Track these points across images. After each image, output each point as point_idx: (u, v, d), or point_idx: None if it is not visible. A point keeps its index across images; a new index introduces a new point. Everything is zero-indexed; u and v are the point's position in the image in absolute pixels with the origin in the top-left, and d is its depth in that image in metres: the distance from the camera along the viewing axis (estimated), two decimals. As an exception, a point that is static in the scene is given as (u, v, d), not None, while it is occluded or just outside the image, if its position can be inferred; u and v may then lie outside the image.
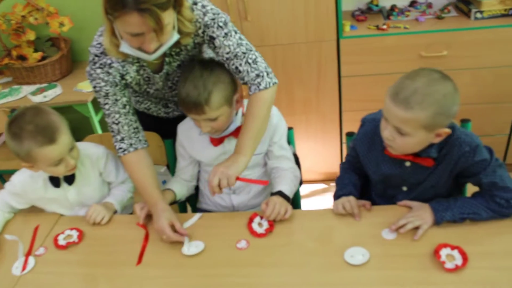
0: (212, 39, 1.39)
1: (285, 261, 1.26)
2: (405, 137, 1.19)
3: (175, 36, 1.29)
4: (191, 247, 1.34)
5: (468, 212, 1.24)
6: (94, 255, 1.40)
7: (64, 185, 1.55)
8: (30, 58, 2.50)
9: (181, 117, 1.62)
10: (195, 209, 1.79)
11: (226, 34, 1.37)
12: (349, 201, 1.37)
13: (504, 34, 2.10)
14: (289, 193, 1.46)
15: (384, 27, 2.21)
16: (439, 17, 2.25)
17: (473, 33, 2.12)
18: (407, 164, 1.32)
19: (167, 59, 1.45)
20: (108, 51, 1.33)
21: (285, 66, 2.31)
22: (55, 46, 2.62)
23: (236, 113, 1.50)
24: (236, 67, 1.40)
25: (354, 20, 2.37)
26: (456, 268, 1.13)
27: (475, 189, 1.31)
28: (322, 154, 2.61)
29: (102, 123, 2.54)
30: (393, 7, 2.38)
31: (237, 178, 1.36)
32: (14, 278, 1.34)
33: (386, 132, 1.23)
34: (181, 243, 1.35)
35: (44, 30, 2.58)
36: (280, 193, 1.44)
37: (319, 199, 2.62)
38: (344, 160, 2.56)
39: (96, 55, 1.38)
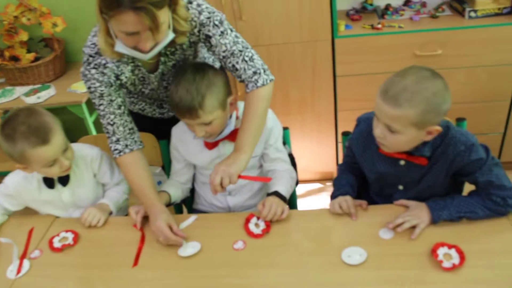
0: (208, 37, 1.38)
1: (282, 262, 1.25)
2: (396, 135, 1.19)
3: (171, 35, 1.28)
4: (187, 248, 1.33)
5: (465, 211, 1.24)
6: (90, 258, 1.38)
7: (58, 186, 1.54)
8: (23, 59, 2.48)
9: (176, 118, 1.60)
10: (191, 210, 1.78)
11: (222, 32, 1.37)
12: (346, 200, 1.37)
13: (498, 33, 2.11)
14: (286, 193, 1.46)
15: (379, 26, 2.21)
16: (433, 16, 2.26)
17: (467, 32, 2.13)
18: (402, 163, 1.32)
19: (162, 59, 1.44)
20: (102, 51, 1.32)
21: (280, 66, 2.31)
22: (48, 47, 2.59)
23: (230, 116, 1.49)
24: (233, 65, 1.40)
25: (349, 19, 2.37)
26: (454, 267, 1.13)
27: (472, 187, 1.31)
28: (318, 154, 2.60)
29: (97, 124, 2.52)
30: (387, 6, 2.39)
31: (239, 176, 1.36)
32: (9, 282, 1.33)
33: (378, 130, 1.23)
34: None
35: (37, 30, 2.56)
36: (276, 194, 1.43)
37: (315, 199, 2.62)
38: (340, 159, 2.60)
39: (90, 55, 1.37)
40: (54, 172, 1.45)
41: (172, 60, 1.46)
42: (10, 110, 1.51)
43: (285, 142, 1.70)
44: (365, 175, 1.48)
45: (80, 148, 1.58)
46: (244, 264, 1.27)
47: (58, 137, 1.39)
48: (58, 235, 1.47)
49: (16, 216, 1.62)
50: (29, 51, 2.53)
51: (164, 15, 1.21)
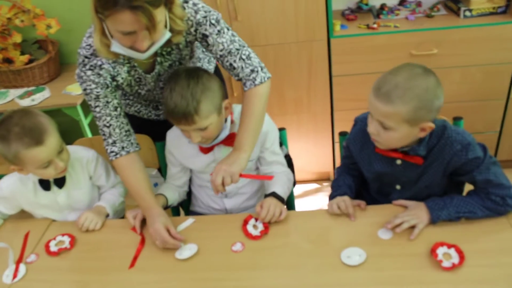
0: (205, 37, 1.38)
1: (281, 263, 1.25)
2: (389, 132, 1.20)
3: (167, 34, 1.27)
4: (184, 251, 1.32)
5: (464, 211, 1.24)
6: (87, 261, 1.37)
7: (54, 188, 1.53)
8: (17, 61, 2.46)
9: (171, 119, 1.60)
10: (188, 212, 1.77)
11: (219, 31, 1.37)
12: (344, 200, 1.37)
13: (493, 32, 2.12)
14: (283, 194, 1.46)
15: (375, 26, 2.21)
16: (428, 16, 2.26)
17: (462, 31, 2.14)
18: (398, 162, 1.32)
19: (158, 59, 1.43)
20: (98, 52, 1.31)
21: (276, 66, 2.30)
22: (42, 49, 2.57)
23: (225, 120, 1.48)
24: (230, 64, 1.40)
25: (344, 19, 2.37)
26: (453, 267, 1.13)
27: (471, 187, 1.31)
28: (314, 154, 2.60)
29: (92, 126, 2.51)
30: (382, 6, 2.39)
31: (241, 175, 1.35)
32: (5, 287, 1.31)
33: (371, 127, 1.24)
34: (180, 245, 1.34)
35: (31, 32, 2.54)
36: (274, 195, 1.43)
37: (312, 199, 2.62)
38: (336, 159, 2.60)
39: (86, 57, 1.36)
40: (49, 174, 1.44)
41: (169, 60, 1.45)
42: (4, 113, 1.50)
43: (282, 143, 1.69)
44: (363, 175, 1.48)
45: (76, 150, 1.57)
46: (243, 266, 1.26)
47: (52, 138, 1.38)
48: (54, 238, 1.45)
49: (11, 220, 1.60)
50: (23, 53, 2.50)
51: (160, 14, 1.20)
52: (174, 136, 1.57)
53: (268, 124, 1.52)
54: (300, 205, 2.53)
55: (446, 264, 1.14)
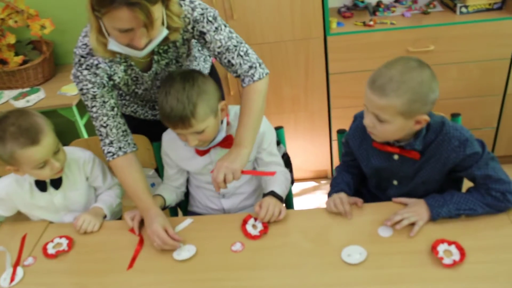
0: (202, 34, 1.37)
1: (282, 263, 1.24)
2: (385, 124, 1.20)
3: (164, 31, 1.26)
4: (182, 252, 1.31)
5: (464, 208, 1.24)
6: (85, 263, 1.36)
7: (50, 189, 1.52)
8: (11, 62, 2.43)
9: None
10: (186, 212, 1.76)
11: (216, 28, 1.36)
12: (340, 197, 1.37)
13: (489, 28, 2.12)
14: (282, 193, 1.45)
15: (371, 23, 2.21)
16: (424, 12, 2.26)
17: (459, 28, 2.13)
18: (395, 157, 1.33)
19: (155, 57, 1.42)
20: (95, 50, 1.29)
21: (273, 65, 2.29)
22: (36, 49, 2.55)
23: (221, 122, 1.47)
24: (229, 61, 1.39)
25: (340, 16, 2.37)
26: (454, 264, 1.12)
27: (470, 184, 1.31)
28: (312, 152, 2.60)
29: (88, 127, 2.49)
30: (378, 3, 2.38)
31: (242, 172, 1.34)
32: (2, 290, 1.30)
33: (367, 120, 1.25)
34: (178, 246, 1.33)
35: (25, 33, 2.52)
36: (272, 194, 1.42)
37: (309, 197, 2.62)
38: (334, 157, 2.60)
39: (82, 56, 1.35)
40: (45, 174, 1.43)
41: (165, 58, 1.44)
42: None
43: (280, 141, 1.69)
44: (363, 171, 1.48)
45: (73, 151, 1.56)
46: (243, 266, 1.25)
47: (48, 138, 1.37)
48: (52, 241, 1.44)
49: (8, 223, 1.59)
50: (17, 54, 2.48)
51: (158, 11, 1.19)
52: (169, 138, 1.56)
53: (265, 125, 1.51)
54: (298, 203, 2.52)
55: (447, 261, 1.13)
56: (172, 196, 1.59)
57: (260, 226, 1.35)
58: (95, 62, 1.35)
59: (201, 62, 1.70)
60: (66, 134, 2.02)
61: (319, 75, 2.32)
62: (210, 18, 1.36)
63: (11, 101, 2.39)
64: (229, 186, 1.53)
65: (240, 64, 1.39)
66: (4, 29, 2.43)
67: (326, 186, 2.67)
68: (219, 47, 1.38)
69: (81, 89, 1.38)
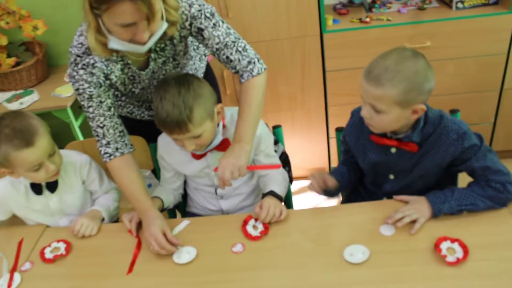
0: (200, 30, 1.36)
1: (283, 263, 1.23)
2: (381, 115, 1.21)
3: (164, 25, 1.25)
4: (182, 254, 1.30)
5: (466, 204, 1.23)
6: (84, 267, 1.34)
7: (46, 192, 1.50)
8: (4, 64, 2.40)
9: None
10: (184, 213, 1.74)
11: (214, 24, 1.35)
12: (313, 175, 1.37)
13: (486, 23, 2.11)
14: (281, 193, 1.44)
15: (367, 20, 2.20)
16: (420, 8, 2.25)
17: (455, 23, 2.13)
18: (393, 150, 1.33)
19: (152, 55, 1.41)
20: (93, 50, 1.28)
21: (269, 63, 2.23)
22: (29, 51, 2.52)
23: (218, 125, 1.45)
24: (227, 57, 1.38)
25: (336, 13, 2.35)
26: (458, 261, 1.11)
27: (467, 182, 1.30)
28: (309, 150, 2.59)
29: (83, 128, 2.47)
30: (374, 0, 2.37)
31: (248, 167, 1.34)
32: (0, 297, 1.28)
33: (364, 111, 1.25)
34: (176, 249, 1.31)
35: (17, 34, 2.48)
36: (272, 193, 1.41)
37: (307, 196, 2.61)
38: (332, 155, 2.59)
39: (78, 55, 1.33)
40: (40, 177, 1.41)
41: (162, 56, 1.43)
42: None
43: (278, 140, 1.68)
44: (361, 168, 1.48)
45: (69, 154, 1.54)
46: (244, 267, 1.24)
47: (43, 140, 1.35)
48: (49, 245, 1.42)
49: (4, 227, 1.57)
50: (9, 56, 2.45)
51: (158, 3, 1.19)
52: (165, 142, 1.54)
53: (262, 128, 1.50)
54: (296, 201, 2.50)
55: (450, 259, 1.12)
56: (169, 198, 1.58)
57: (260, 227, 1.34)
58: (91, 61, 1.33)
59: (197, 61, 1.69)
60: (61, 136, 2.00)
61: (316, 72, 2.31)
62: (208, 14, 1.35)
63: (4, 103, 2.36)
64: (227, 188, 1.53)
65: (239, 59, 1.38)
66: (-4, 30, 2.41)
67: (324, 184, 2.66)
68: (217, 43, 1.37)
69: (77, 89, 1.36)
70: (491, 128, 2.42)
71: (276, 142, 1.65)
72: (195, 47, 1.67)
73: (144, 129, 1.68)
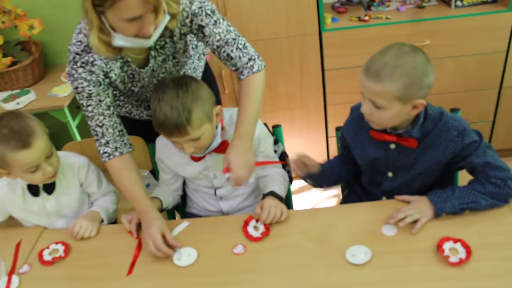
0: (201, 27, 1.35)
1: (285, 264, 1.22)
2: (382, 111, 1.21)
3: (167, 17, 1.24)
4: (182, 256, 1.28)
5: (468, 202, 1.23)
6: (83, 270, 1.32)
7: (43, 194, 1.49)
8: (0, 64, 2.38)
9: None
10: (184, 214, 1.73)
11: (215, 21, 1.35)
12: (293, 160, 1.37)
13: (485, 22, 2.11)
14: (281, 193, 1.43)
15: (366, 18, 2.19)
16: (419, 6, 2.24)
17: (454, 21, 2.12)
18: (392, 146, 1.32)
19: (152, 53, 1.40)
20: (96, 49, 1.26)
21: (268, 62, 2.22)
22: (25, 50, 2.50)
23: (216, 127, 1.44)
24: (228, 54, 1.38)
25: (335, 12, 2.34)
26: (461, 262, 1.11)
27: (467, 181, 1.30)
28: (308, 150, 2.55)
29: (80, 129, 2.45)
30: (373, -2, 2.37)
31: (256, 163, 1.34)
32: (-2, 300, 1.26)
33: (364, 107, 1.25)
34: (175, 251, 1.29)
35: (13, 33, 2.46)
36: (272, 194, 1.40)
37: (306, 195, 2.60)
38: (331, 154, 2.58)
39: (77, 53, 1.31)
40: (37, 179, 1.39)
41: (162, 54, 1.42)
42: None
43: (278, 140, 1.67)
44: (357, 166, 1.48)
45: (67, 156, 1.53)
46: (245, 268, 1.23)
47: (40, 142, 1.34)
48: (48, 247, 1.40)
49: (1, 229, 1.55)
50: (5, 55, 2.43)
51: None
52: (163, 144, 1.53)
53: (261, 130, 1.49)
54: (295, 201, 2.49)
55: (453, 259, 1.12)
56: (168, 199, 1.57)
57: (262, 228, 1.33)
58: (91, 59, 1.32)
59: (196, 60, 1.68)
60: (58, 137, 1.99)
61: (315, 71, 2.30)
62: (209, 12, 1.34)
63: (0, 103, 2.34)
64: (226, 189, 1.55)
65: (240, 57, 1.38)
66: (-9, 30, 2.38)
67: (323, 183, 2.65)
68: (218, 41, 1.36)
69: (76, 88, 1.35)
70: (490, 126, 2.42)
71: (276, 142, 1.64)
72: (193, 46, 1.66)
73: (143, 129, 1.67)
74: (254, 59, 1.39)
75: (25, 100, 2.31)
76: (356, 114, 1.40)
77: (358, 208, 1.35)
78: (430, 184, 1.34)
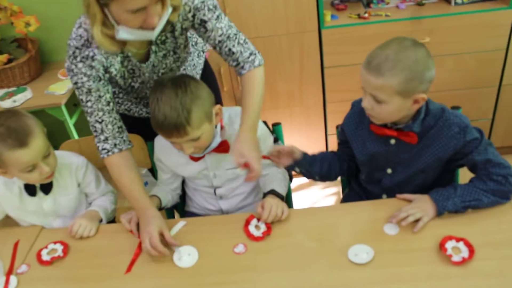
0: (203, 22, 1.35)
1: (286, 264, 1.21)
2: (382, 105, 1.20)
3: (170, 9, 1.24)
4: (183, 256, 1.27)
5: (469, 200, 1.22)
6: (82, 269, 1.31)
7: (40, 194, 1.47)
8: (-4, 61, 2.36)
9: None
10: (183, 213, 1.72)
11: (218, 16, 1.35)
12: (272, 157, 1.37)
13: (485, 19, 2.10)
14: (282, 192, 1.42)
15: (366, 15, 2.18)
16: (419, 4, 2.24)
17: (454, 19, 2.12)
18: (392, 141, 1.32)
19: (153, 47, 1.38)
20: (100, 44, 1.25)
21: (267, 59, 2.19)
22: (21, 48, 2.47)
23: (216, 127, 1.43)
24: (229, 49, 1.38)
25: (334, 9, 2.33)
26: (463, 261, 1.10)
27: (467, 179, 1.29)
28: (307, 147, 2.52)
29: (78, 127, 2.43)
30: (372, -5, 2.35)
31: (263, 157, 1.33)
32: (-4, 300, 1.25)
33: (365, 102, 1.24)
34: (172, 251, 1.28)
35: (9, 30, 2.44)
36: (273, 192, 1.39)
37: (305, 193, 2.59)
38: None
39: (77, 48, 1.29)
40: (34, 178, 1.38)
41: (163, 49, 1.41)
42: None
43: (278, 138, 1.66)
44: (354, 163, 1.47)
45: (65, 156, 1.51)
46: (246, 268, 1.22)
47: (38, 141, 1.32)
48: (46, 247, 1.39)
49: (-2, 229, 1.53)
50: (1, 53, 2.41)
51: None
52: (162, 144, 1.51)
53: (262, 128, 1.48)
54: (295, 199, 2.49)
55: (456, 258, 1.11)
56: (167, 197, 1.55)
57: (263, 227, 1.32)
58: (91, 53, 1.30)
59: (195, 58, 1.67)
60: (55, 135, 1.97)
61: (314, 69, 2.29)
62: (211, 6, 1.34)
63: (-4, 101, 2.31)
64: (226, 189, 1.54)
65: (241, 52, 1.38)
66: (-13, 27, 2.36)
67: (321, 181, 2.65)
68: (220, 35, 1.36)
69: (75, 83, 1.33)
70: (490, 124, 2.42)
71: (276, 140, 1.62)
72: (193, 43, 1.65)
73: (142, 127, 1.66)
74: (255, 54, 1.40)
75: (22, 98, 2.29)
76: (356, 109, 1.40)
77: (360, 207, 1.35)
78: (430, 182, 1.34)
